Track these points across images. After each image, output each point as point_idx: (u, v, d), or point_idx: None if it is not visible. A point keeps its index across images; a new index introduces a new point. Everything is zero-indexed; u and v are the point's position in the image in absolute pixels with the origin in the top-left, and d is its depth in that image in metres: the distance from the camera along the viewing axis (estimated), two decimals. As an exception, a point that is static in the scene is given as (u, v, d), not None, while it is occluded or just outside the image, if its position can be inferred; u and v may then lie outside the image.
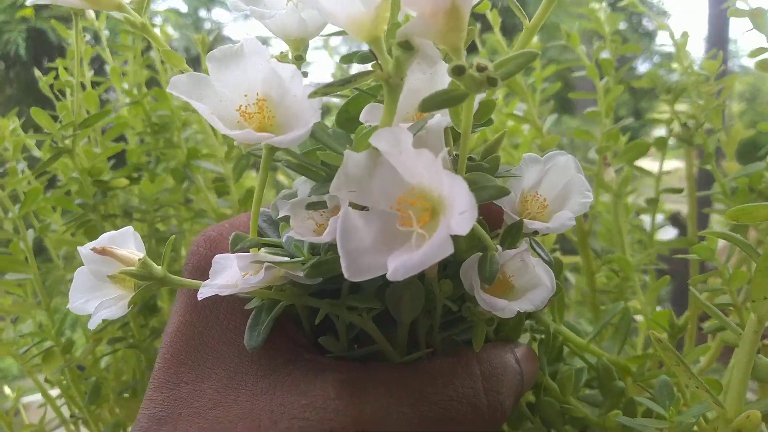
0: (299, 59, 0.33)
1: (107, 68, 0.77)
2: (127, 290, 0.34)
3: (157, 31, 0.66)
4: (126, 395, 0.66)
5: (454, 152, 0.31)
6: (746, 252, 0.36)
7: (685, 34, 0.76)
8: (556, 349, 0.45)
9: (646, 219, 0.76)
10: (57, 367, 0.67)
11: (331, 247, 0.32)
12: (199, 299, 0.32)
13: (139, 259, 0.33)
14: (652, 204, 0.72)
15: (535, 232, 0.36)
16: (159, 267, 0.34)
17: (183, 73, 0.28)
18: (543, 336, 0.46)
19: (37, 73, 0.85)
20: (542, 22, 0.28)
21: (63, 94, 0.85)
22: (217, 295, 0.37)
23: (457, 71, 0.23)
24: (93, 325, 0.34)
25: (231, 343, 0.37)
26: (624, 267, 0.56)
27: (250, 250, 0.34)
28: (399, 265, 0.25)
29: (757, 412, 0.33)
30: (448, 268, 0.36)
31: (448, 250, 0.24)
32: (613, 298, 0.64)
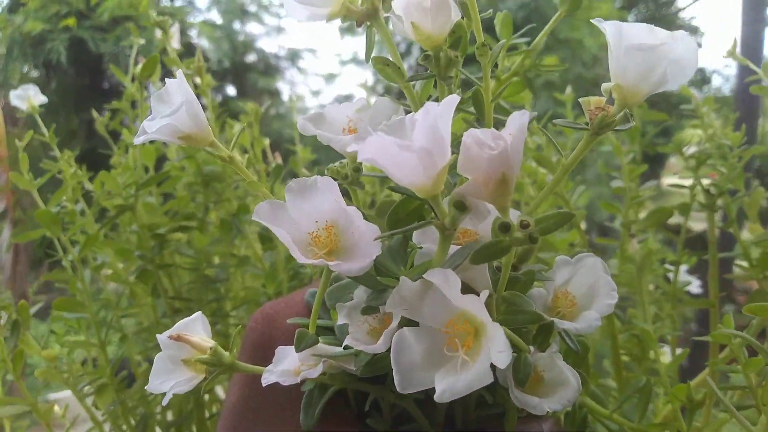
0: (357, 171, 0.38)
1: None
2: (198, 372, 0.39)
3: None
4: (172, 430, 0.71)
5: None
6: (762, 354, 0.39)
7: (709, 100, 0.79)
8: (579, 419, 0.49)
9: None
10: (109, 401, 0.73)
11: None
12: (264, 385, 0.36)
13: (210, 348, 0.38)
14: (675, 264, 0.75)
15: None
16: (227, 354, 0.38)
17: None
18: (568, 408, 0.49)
19: (94, 113, 0.91)
20: (575, 164, 0.32)
21: (116, 134, 0.90)
22: (263, 384, 0.42)
23: (504, 229, 0.27)
24: (166, 401, 0.38)
25: (286, 420, 0.41)
26: (646, 338, 0.59)
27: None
28: (446, 389, 0.29)
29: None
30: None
31: (488, 379, 0.28)
32: (633, 358, 0.67)
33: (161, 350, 0.40)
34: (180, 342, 0.38)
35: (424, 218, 0.44)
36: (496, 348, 0.28)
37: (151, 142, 0.76)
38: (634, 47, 0.28)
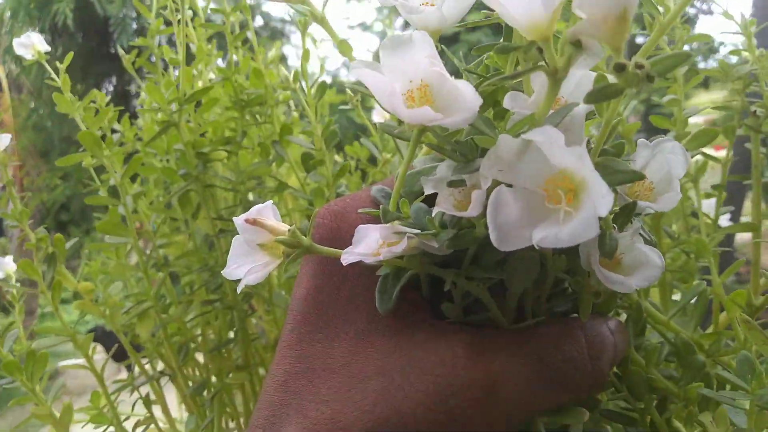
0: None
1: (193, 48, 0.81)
2: (274, 257, 0.38)
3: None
4: (218, 352, 0.71)
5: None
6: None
7: (752, 21, 0.77)
8: (641, 323, 0.49)
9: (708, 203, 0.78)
10: (152, 326, 0.73)
11: (466, 222, 0.36)
12: (344, 264, 0.36)
13: (289, 229, 0.37)
14: (719, 189, 0.74)
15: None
16: (305, 237, 0.38)
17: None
18: (628, 311, 0.49)
19: (120, 51, 0.90)
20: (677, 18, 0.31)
21: (140, 71, 0.89)
22: (344, 263, 0.41)
23: (619, 68, 0.26)
24: (240, 288, 0.38)
25: (358, 307, 0.41)
26: (700, 248, 0.59)
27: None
28: (548, 235, 0.28)
29: None
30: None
31: (594, 229, 0.27)
32: (680, 277, 0.67)
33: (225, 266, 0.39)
34: (256, 226, 0.38)
35: (500, 103, 0.43)
36: (599, 194, 0.27)
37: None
38: None
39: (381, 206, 0.36)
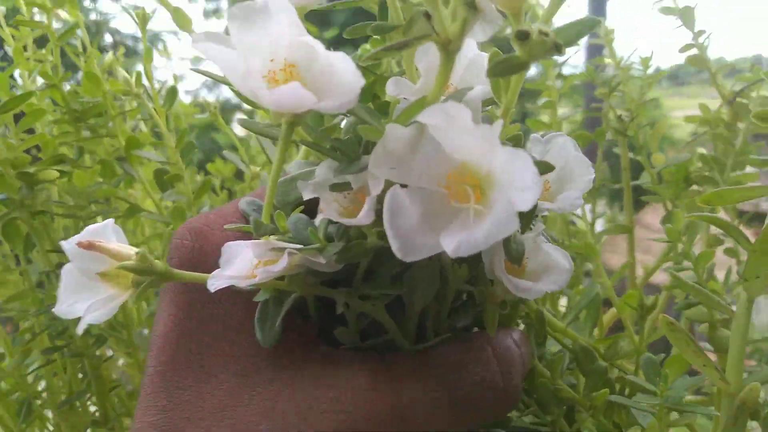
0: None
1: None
2: (121, 288, 0.31)
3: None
4: (67, 408, 0.60)
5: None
6: (733, 236, 0.38)
7: (611, 30, 0.80)
8: (543, 333, 0.46)
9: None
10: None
11: (356, 231, 0.30)
12: (212, 291, 0.29)
13: (137, 253, 0.30)
14: (593, 194, 0.76)
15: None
16: (159, 261, 0.30)
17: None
18: (527, 320, 0.46)
19: None
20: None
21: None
22: (211, 290, 0.34)
23: (522, 36, 0.22)
24: (80, 329, 0.30)
25: (234, 341, 0.34)
26: (588, 252, 0.58)
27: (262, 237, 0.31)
28: (462, 241, 0.24)
29: (757, 383, 0.35)
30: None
31: (514, 225, 0.23)
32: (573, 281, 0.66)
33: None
34: (92, 251, 0.30)
35: (380, 97, 0.38)
36: (520, 184, 0.23)
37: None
38: None
39: (252, 219, 0.30)
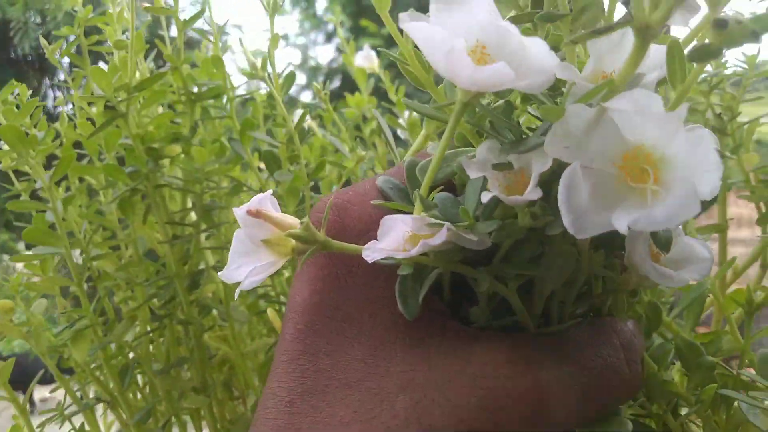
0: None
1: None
2: (280, 255, 0.32)
3: None
4: (168, 373, 0.63)
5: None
6: None
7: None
8: (656, 323, 0.46)
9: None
10: (89, 348, 0.63)
11: (508, 211, 0.31)
12: (369, 261, 0.31)
13: (302, 222, 0.31)
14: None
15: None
16: (320, 231, 0.32)
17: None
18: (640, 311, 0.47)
19: (42, 41, 0.80)
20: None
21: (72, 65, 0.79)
22: (352, 263, 0.36)
23: (721, 24, 0.23)
24: (238, 292, 0.32)
25: (373, 313, 0.35)
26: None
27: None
28: (639, 219, 0.24)
29: None
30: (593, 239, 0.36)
31: (696, 208, 0.24)
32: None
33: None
34: (260, 218, 0.32)
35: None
36: (704, 168, 0.23)
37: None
38: None
39: (415, 194, 0.31)
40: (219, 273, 0.32)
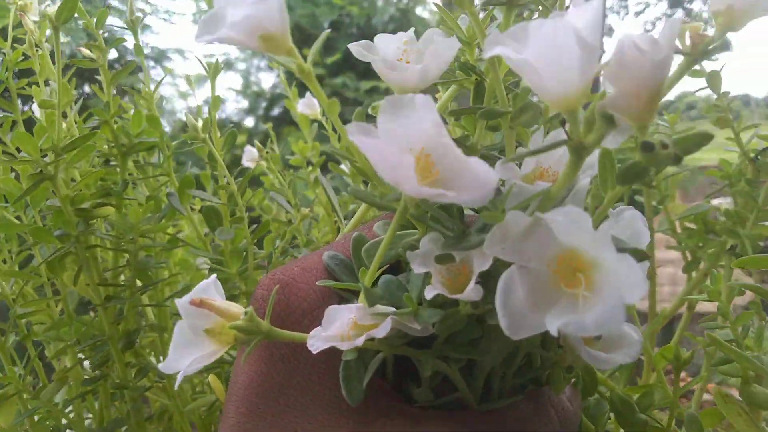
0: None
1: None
2: (223, 344, 0.32)
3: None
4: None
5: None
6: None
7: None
8: (593, 387, 0.48)
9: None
10: (14, 414, 0.60)
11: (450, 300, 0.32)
12: (314, 352, 0.31)
13: (245, 312, 0.31)
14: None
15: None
16: (264, 321, 0.32)
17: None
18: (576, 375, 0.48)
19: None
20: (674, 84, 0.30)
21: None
22: (297, 344, 0.36)
23: (647, 148, 0.25)
24: (177, 383, 0.31)
25: (317, 395, 0.35)
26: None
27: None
28: (570, 323, 0.26)
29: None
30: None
31: (622, 318, 0.25)
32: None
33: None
34: (203, 307, 0.31)
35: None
36: (630, 282, 0.25)
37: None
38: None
39: (364, 290, 0.31)
40: (159, 365, 0.32)
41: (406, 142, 0.27)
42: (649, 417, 0.54)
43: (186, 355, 0.32)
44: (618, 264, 0.26)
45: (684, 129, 0.79)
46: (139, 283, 0.61)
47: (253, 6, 0.25)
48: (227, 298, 0.33)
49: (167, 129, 0.62)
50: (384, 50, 0.34)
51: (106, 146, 0.65)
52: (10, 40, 0.69)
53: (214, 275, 0.33)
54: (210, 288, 0.33)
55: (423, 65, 0.32)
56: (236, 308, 0.32)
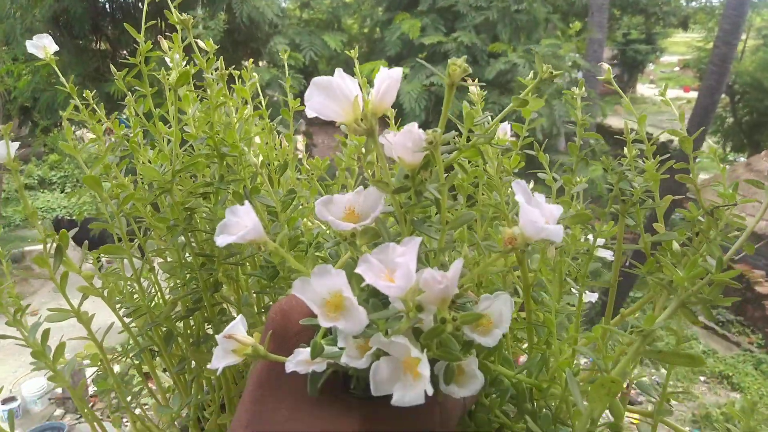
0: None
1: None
2: (240, 357, 0.59)
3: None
4: (194, 347, 0.93)
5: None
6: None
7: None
8: (491, 381, 0.72)
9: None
10: (145, 322, 0.94)
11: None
12: (287, 371, 0.57)
13: (252, 346, 0.58)
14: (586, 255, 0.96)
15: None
16: (261, 347, 0.58)
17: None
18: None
19: (113, 69, 1.03)
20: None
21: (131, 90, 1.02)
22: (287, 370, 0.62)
23: (443, 321, 0.47)
24: (220, 371, 0.59)
25: (295, 386, 0.62)
26: (548, 325, 0.81)
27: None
28: (398, 398, 0.50)
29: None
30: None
31: (420, 400, 0.49)
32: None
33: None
34: (230, 339, 0.58)
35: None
36: (417, 392, 0.48)
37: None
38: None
39: (312, 342, 0.57)
40: (208, 366, 0.60)
41: (325, 289, 0.50)
42: (546, 404, 0.77)
43: (221, 362, 0.59)
44: (423, 369, 0.49)
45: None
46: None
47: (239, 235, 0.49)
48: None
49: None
50: (337, 203, 0.56)
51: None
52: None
53: (240, 315, 0.60)
54: (237, 325, 0.59)
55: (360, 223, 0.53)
56: (250, 340, 0.59)
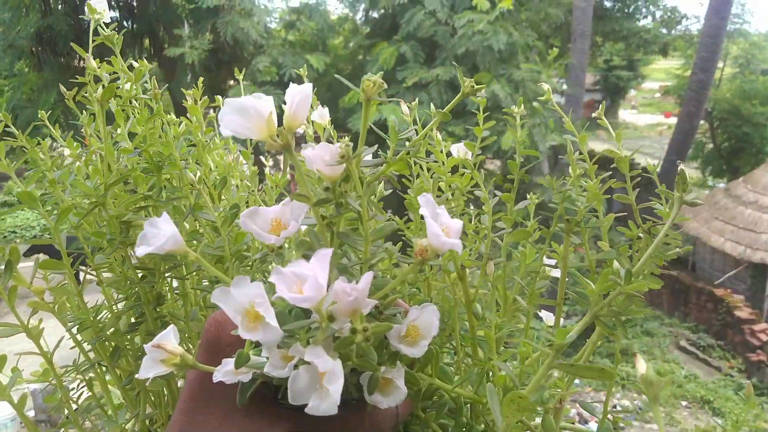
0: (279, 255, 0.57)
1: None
2: (171, 367, 0.60)
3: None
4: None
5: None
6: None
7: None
8: (427, 393, 0.73)
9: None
10: (92, 337, 0.94)
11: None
12: (214, 381, 0.58)
13: (180, 355, 0.59)
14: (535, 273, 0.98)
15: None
16: (190, 357, 0.59)
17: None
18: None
19: (62, 89, 1.03)
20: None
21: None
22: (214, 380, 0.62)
23: (354, 332, 0.48)
24: (150, 381, 0.60)
25: (226, 397, 0.62)
26: (488, 340, 0.82)
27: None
28: (313, 406, 0.51)
29: None
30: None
31: (334, 410, 0.50)
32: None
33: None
34: (158, 349, 0.59)
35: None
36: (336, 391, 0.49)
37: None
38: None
39: (237, 352, 0.57)
40: (136, 376, 0.60)
41: (245, 299, 0.52)
42: (485, 418, 0.78)
43: (150, 371, 0.60)
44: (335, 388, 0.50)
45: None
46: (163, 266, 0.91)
47: (157, 247, 0.50)
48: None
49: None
50: (264, 215, 0.57)
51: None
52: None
53: (172, 325, 0.61)
54: (168, 334, 0.60)
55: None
56: (179, 350, 0.59)
